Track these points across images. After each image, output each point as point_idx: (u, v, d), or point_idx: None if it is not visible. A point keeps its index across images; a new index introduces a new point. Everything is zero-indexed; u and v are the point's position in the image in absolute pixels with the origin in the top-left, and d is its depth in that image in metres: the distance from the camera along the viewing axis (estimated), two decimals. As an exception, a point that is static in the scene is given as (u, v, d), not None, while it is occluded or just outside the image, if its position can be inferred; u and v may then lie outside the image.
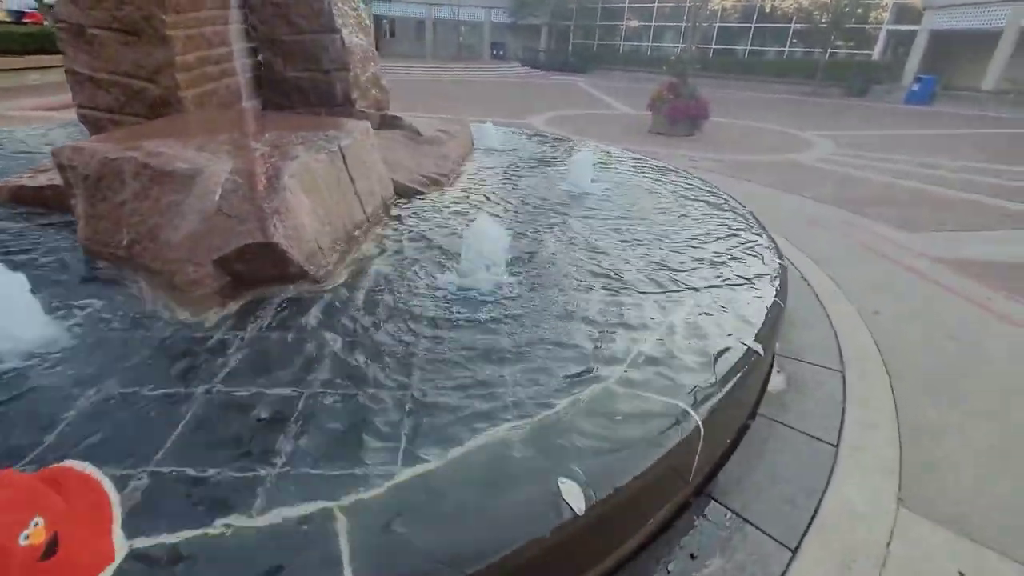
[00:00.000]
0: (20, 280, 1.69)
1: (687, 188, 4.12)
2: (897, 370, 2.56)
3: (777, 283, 2.48)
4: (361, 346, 1.79)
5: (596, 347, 1.83)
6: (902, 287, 3.56)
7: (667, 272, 2.50)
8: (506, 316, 2.00)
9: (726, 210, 3.58)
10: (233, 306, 2.00)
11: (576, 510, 1.17)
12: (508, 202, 3.46)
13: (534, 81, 26.49)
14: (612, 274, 2.45)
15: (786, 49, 29.78)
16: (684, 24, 28.87)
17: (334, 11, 3.57)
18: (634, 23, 35.27)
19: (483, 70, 29.78)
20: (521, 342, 1.84)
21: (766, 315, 2.17)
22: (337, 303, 2.07)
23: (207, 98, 3.28)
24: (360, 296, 2.13)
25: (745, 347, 1.91)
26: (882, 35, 26.72)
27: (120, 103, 3.08)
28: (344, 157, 2.69)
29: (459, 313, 2.02)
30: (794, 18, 27.65)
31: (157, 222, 2.12)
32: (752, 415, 2.22)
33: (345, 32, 3.69)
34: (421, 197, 3.45)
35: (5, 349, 1.60)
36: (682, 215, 3.42)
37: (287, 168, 2.22)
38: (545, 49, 36.47)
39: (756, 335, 2.00)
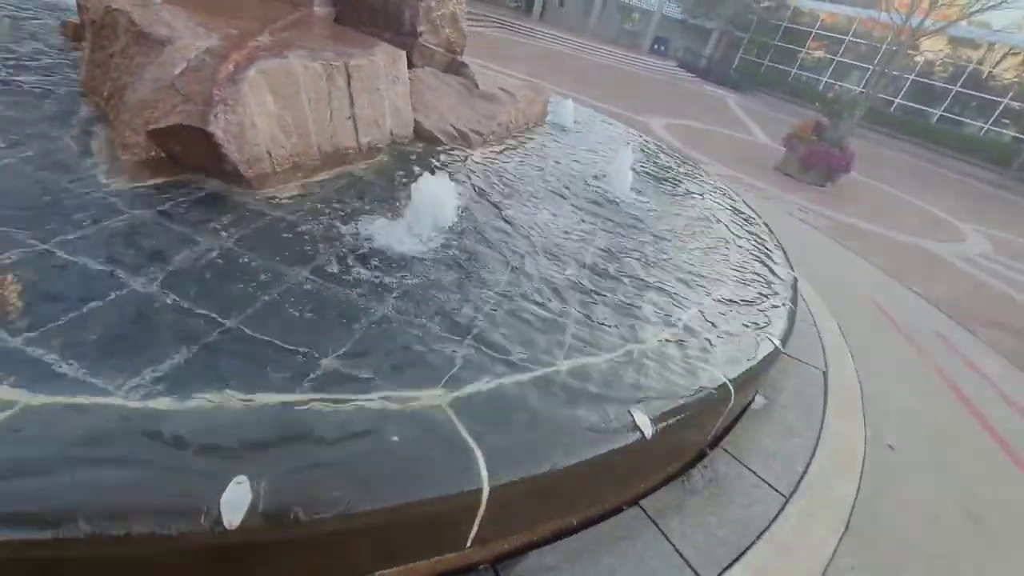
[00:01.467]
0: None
1: (744, 228, 3.53)
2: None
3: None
4: (218, 265, 1.63)
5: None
6: (969, 459, 2.78)
7: (629, 317, 2.10)
8: (397, 286, 1.76)
9: (766, 278, 3.00)
10: (150, 181, 1.94)
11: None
12: (512, 181, 3.11)
13: (681, 85, 24.98)
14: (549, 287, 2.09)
15: (985, 126, 25.41)
16: (872, 67, 25.55)
17: (417, -67, 3.38)
18: (818, 53, 31.88)
19: (635, 61, 28.61)
20: (382, 316, 1.59)
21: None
22: (247, 212, 1.94)
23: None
24: (272, 215, 1.98)
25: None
26: None
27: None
28: (349, 76, 2.53)
29: (347, 266, 1.79)
30: (1011, 93, 23.41)
31: (127, 81, 2.10)
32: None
33: (427, -41, 3.50)
34: (441, 147, 3.24)
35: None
36: (710, 250, 2.90)
37: (260, 64, 2.09)
38: (709, 56, 34.15)
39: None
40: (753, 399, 2.34)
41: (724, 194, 4.27)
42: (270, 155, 2.16)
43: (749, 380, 1.92)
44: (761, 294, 2.55)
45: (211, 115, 1.92)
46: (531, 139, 4.11)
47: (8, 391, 1.02)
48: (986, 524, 2.06)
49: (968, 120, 26.23)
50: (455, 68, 4.11)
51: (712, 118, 15.97)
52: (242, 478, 0.95)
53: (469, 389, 1.37)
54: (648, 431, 1.41)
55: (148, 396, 1.10)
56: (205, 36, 2.18)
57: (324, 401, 1.21)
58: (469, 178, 2.92)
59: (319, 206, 2.10)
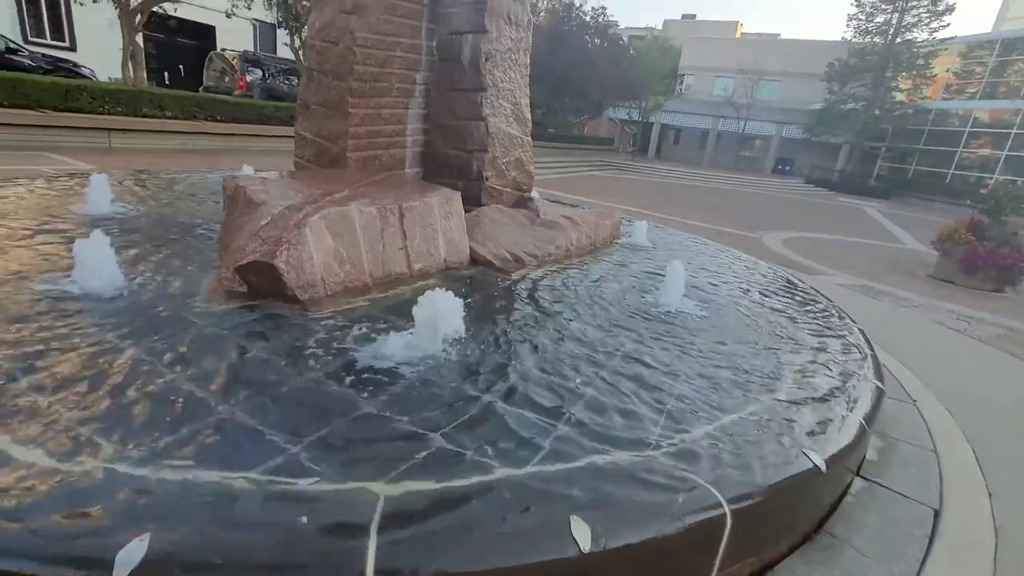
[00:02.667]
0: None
1: (837, 339, 3.10)
2: None
3: None
4: (241, 365, 1.96)
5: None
6: None
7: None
8: (388, 389, 1.90)
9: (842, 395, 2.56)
10: (232, 304, 2.45)
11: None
12: (551, 296, 3.18)
13: (810, 200, 23.85)
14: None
15: None
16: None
17: (484, 104, 4.10)
18: (985, 151, 28.68)
19: (757, 182, 28.38)
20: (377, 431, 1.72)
21: None
22: (292, 325, 2.31)
23: (370, 161, 4.13)
24: (310, 327, 2.32)
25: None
26: None
27: (314, 155, 4.15)
28: (402, 216, 3.03)
29: (347, 371, 1.99)
30: None
31: (234, 234, 2.78)
32: None
33: (492, 120, 4.19)
34: (494, 270, 3.54)
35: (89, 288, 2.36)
36: (771, 379, 2.57)
37: (323, 211, 2.64)
38: (841, 169, 32.62)
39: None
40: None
41: (810, 305, 3.86)
42: (324, 281, 2.61)
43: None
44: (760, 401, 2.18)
45: (277, 251, 2.44)
46: (594, 260, 4.27)
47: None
48: None
49: None
50: (522, 203, 4.60)
51: (844, 229, 14.75)
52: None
53: (410, 485, 1.39)
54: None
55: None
56: (292, 197, 2.84)
57: (254, 481, 1.34)
58: (506, 294, 3.12)
59: (347, 323, 2.41)
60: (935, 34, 29.29)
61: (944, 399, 3.32)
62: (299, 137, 4.26)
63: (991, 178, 26.54)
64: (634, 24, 55.27)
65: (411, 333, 2.22)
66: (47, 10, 17.19)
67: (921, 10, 29.37)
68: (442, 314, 2.21)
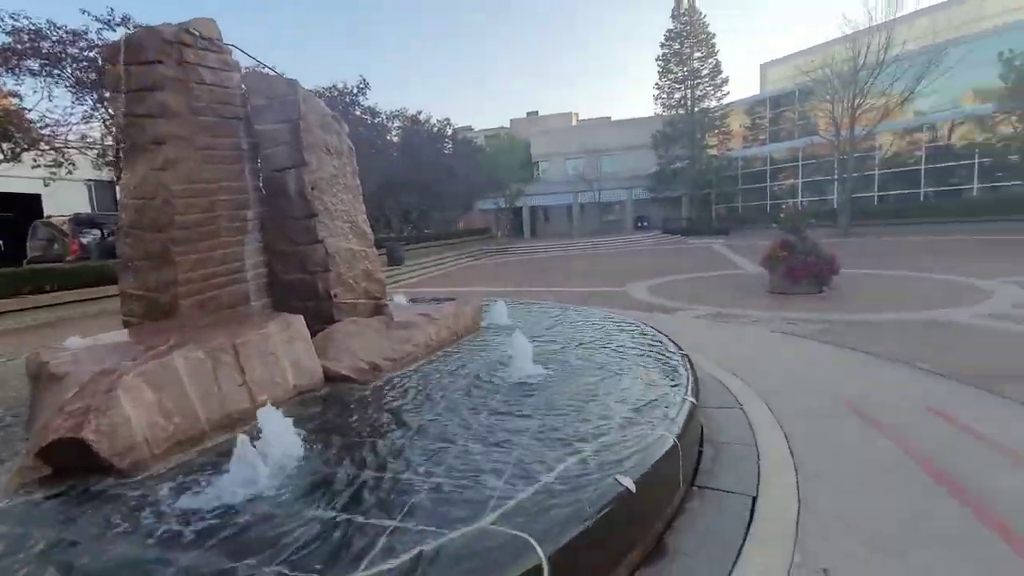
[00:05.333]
0: None
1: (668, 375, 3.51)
2: None
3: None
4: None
5: None
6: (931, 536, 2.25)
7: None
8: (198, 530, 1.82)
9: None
10: (41, 493, 2.21)
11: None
12: (410, 396, 3.29)
13: (666, 247, 26.88)
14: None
15: (974, 185, 25.77)
16: (835, 177, 27.43)
17: (319, 227, 4.32)
18: (788, 181, 34.75)
19: (619, 241, 31.44)
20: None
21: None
22: (110, 498, 2.14)
23: (209, 303, 4.07)
24: (134, 497, 2.16)
25: None
26: (1117, 156, 21.72)
27: (145, 310, 3.99)
28: (236, 352, 3.01)
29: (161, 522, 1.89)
30: (976, 154, 24.30)
31: (38, 415, 2.56)
32: None
33: (330, 241, 4.40)
34: (351, 384, 3.57)
35: None
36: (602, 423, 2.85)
37: (139, 368, 2.56)
38: (688, 217, 37.46)
39: None
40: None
41: (651, 344, 4.34)
42: (148, 441, 2.46)
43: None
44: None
45: (84, 423, 2.29)
46: (456, 349, 4.46)
47: None
48: None
49: (954, 187, 26.77)
50: (378, 311, 4.74)
51: (697, 266, 16.75)
52: None
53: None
54: None
55: None
56: (107, 360, 2.72)
57: None
58: (360, 404, 3.16)
59: (174, 479, 2.29)
60: (721, 101, 36.18)
61: (766, 397, 3.84)
62: (125, 295, 4.10)
63: (797, 201, 32.03)
64: (487, 125, 61.25)
65: (241, 471, 2.17)
66: None
67: (705, 85, 36.31)
68: (271, 442, 2.20)
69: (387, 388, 3.45)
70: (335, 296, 4.41)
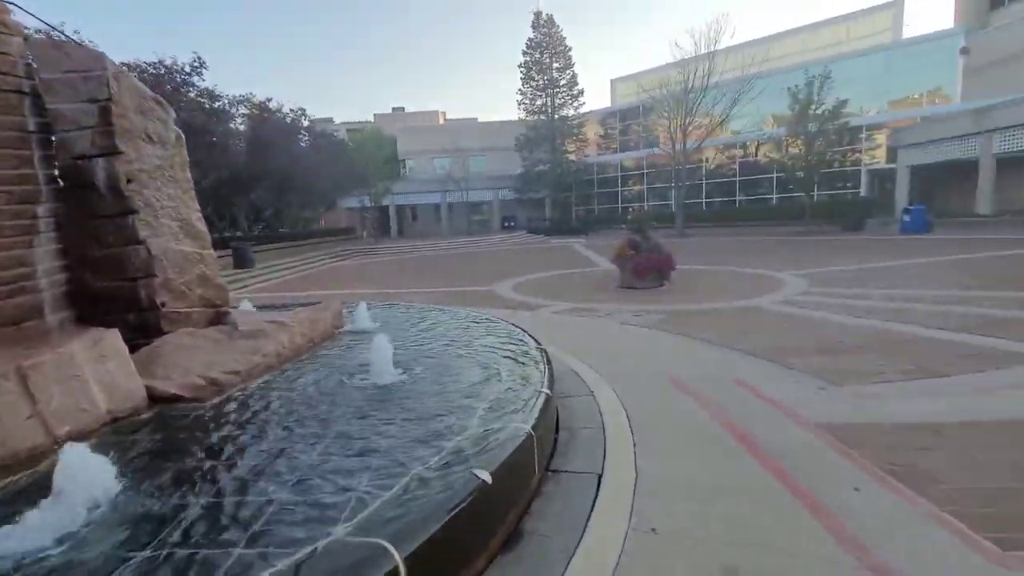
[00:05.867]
0: None
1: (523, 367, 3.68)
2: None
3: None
4: None
5: None
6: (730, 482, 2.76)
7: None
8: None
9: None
10: None
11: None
12: (256, 412, 3.03)
13: (531, 246, 28.21)
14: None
15: (772, 195, 31.29)
16: (671, 185, 31.22)
17: (139, 226, 3.74)
18: (636, 187, 38.53)
19: (489, 241, 32.19)
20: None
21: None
22: None
23: (-15, 318, 3.28)
24: None
25: None
26: (863, 174, 27.89)
27: None
28: (24, 378, 2.48)
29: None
30: (775, 169, 29.47)
31: None
32: None
33: (155, 242, 3.83)
34: (184, 404, 3.15)
35: None
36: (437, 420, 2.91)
37: None
38: (550, 217, 39.66)
39: None
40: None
41: (512, 341, 4.52)
42: None
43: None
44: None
45: None
46: (313, 357, 4.19)
47: None
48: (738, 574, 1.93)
49: (762, 195, 32.15)
50: (218, 320, 4.26)
51: (559, 263, 17.85)
52: None
53: None
54: None
55: None
56: None
57: None
58: (194, 426, 2.82)
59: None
60: (578, 110, 38.91)
61: (613, 383, 4.26)
62: None
63: (642, 205, 35.82)
64: (350, 118, 58.21)
65: (33, 519, 1.80)
66: None
67: (564, 95, 38.76)
68: (74, 480, 1.86)
69: (230, 405, 3.12)
70: (163, 305, 3.87)
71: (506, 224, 42.37)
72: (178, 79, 18.61)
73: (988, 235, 18.14)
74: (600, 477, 2.65)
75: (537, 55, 38.40)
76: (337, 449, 2.38)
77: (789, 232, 25.24)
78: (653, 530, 2.20)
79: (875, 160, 27.82)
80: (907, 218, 21.43)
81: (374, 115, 55.97)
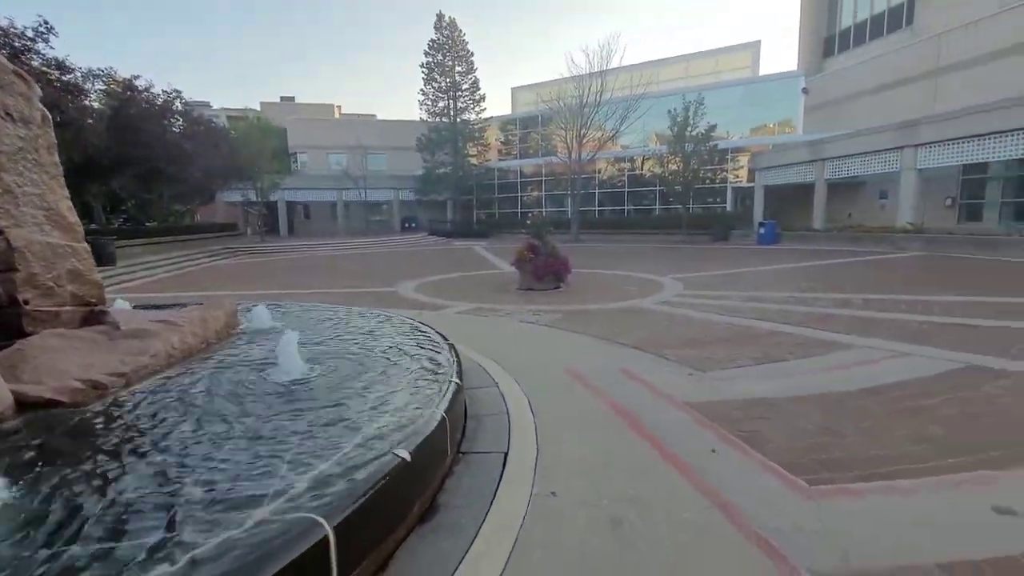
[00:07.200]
0: None
1: (430, 355, 3.85)
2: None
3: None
4: None
5: None
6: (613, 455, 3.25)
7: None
8: None
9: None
10: None
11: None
12: (145, 416, 2.90)
13: (433, 248, 28.16)
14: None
15: (656, 206, 34.40)
16: (568, 193, 32.95)
17: (-3, 213, 3.34)
18: (535, 193, 39.88)
19: (389, 242, 31.48)
20: None
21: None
22: None
23: None
24: None
25: None
26: (729, 191, 31.70)
27: None
28: None
29: None
30: (657, 183, 32.39)
31: None
32: None
33: (17, 232, 3.44)
34: (64, 409, 2.89)
35: None
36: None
37: None
38: (452, 220, 39.75)
39: None
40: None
41: (421, 338, 4.67)
42: None
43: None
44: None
45: None
46: (206, 357, 3.99)
47: None
48: (623, 527, 2.33)
49: (648, 205, 35.08)
50: (94, 319, 3.90)
51: (462, 265, 18.08)
52: None
53: None
54: None
55: None
56: None
57: None
58: (73, 435, 2.63)
59: None
60: (480, 115, 39.46)
61: (515, 375, 4.60)
62: None
63: (540, 210, 37.32)
64: (232, 104, 53.20)
65: None
66: None
67: (466, 98, 39.12)
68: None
69: (116, 408, 2.93)
70: (25, 303, 3.47)
71: (407, 225, 41.69)
72: (17, 44, 15.90)
73: (821, 246, 21.67)
74: (506, 455, 2.93)
75: (439, 57, 38.39)
76: (249, 442, 2.40)
77: (669, 240, 27.95)
78: (553, 494, 2.53)
79: (738, 179, 31.73)
80: (762, 231, 24.81)
81: (260, 103, 51.82)
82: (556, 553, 2.14)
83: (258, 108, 49.47)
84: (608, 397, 4.15)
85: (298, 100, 56.06)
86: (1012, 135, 17.46)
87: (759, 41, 44.04)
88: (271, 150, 32.40)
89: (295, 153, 43.06)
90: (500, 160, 42.24)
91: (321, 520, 1.72)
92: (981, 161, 19.16)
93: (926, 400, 4.06)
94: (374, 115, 54.84)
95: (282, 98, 55.94)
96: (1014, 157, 17.93)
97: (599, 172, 36.24)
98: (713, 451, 3.14)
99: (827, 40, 34.92)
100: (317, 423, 2.59)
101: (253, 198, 33.52)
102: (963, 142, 18.93)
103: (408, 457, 2.22)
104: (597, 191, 36.69)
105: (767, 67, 44.56)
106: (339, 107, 56.30)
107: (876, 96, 27.03)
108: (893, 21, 30.14)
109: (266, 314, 5.13)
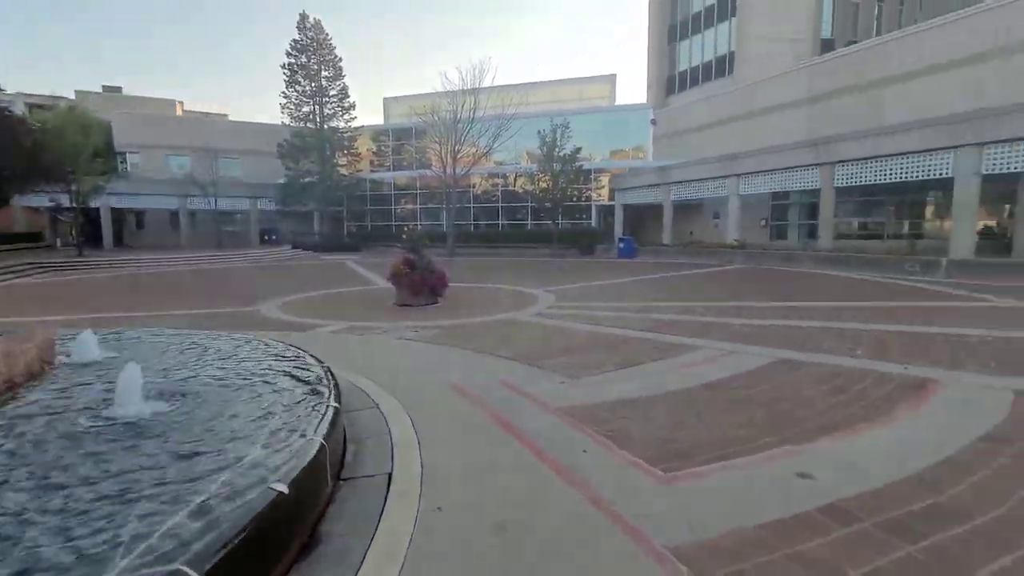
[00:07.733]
0: None
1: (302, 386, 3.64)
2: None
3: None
4: None
5: None
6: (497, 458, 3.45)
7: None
8: None
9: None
10: None
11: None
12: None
13: (300, 263, 26.33)
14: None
15: (528, 221, 36.10)
16: (443, 206, 33.08)
17: None
18: (409, 206, 39.18)
19: (245, 256, 28.67)
20: None
21: None
22: None
23: None
24: None
25: None
26: (593, 209, 34.49)
27: None
28: None
29: None
30: (529, 199, 34.04)
31: None
32: None
33: None
34: None
35: None
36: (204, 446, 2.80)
37: None
38: (320, 232, 37.42)
39: None
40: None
41: (293, 362, 4.38)
42: None
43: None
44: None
45: None
46: (14, 399, 3.32)
47: None
48: (507, 529, 2.48)
49: (521, 220, 36.58)
50: None
51: (330, 282, 17.13)
52: None
53: None
54: None
55: None
56: None
57: None
58: None
59: None
60: (350, 123, 37.81)
61: (395, 393, 4.54)
62: None
63: (415, 224, 36.93)
64: (35, 90, 44.06)
65: None
66: None
67: (334, 105, 37.29)
68: None
69: None
70: None
71: (267, 237, 38.21)
72: None
73: (670, 259, 24.60)
74: (390, 476, 2.90)
75: (304, 59, 36.17)
76: (95, 493, 2.07)
77: (541, 254, 29.51)
78: (439, 508, 2.57)
79: (601, 198, 34.68)
80: (621, 245, 27.41)
81: (75, 91, 44.01)
82: (446, 563, 2.19)
83: (72, 97, 41.95)
84: (489, 408, 4.30)
85: (126, 92, 48.75)
86: (802, 170, 21.70)
87: (615, 75, 48.97)
88: (92, 148, 27.47)
89: (124, 152, 37.22)
90: (372, 171, 40.94)
91: (189, 571, 1.57)
92: (783, 190, 23.46)
93: (748, 391, 4.87)
94: (226, 115, 49.82)
95: (105, 87, 48.13)
96: (804, 188, 22.22)
97: (474, 187, 36.97)
98: (584, 451, 3.43)
99: (669, 79, 40.09)
100: (173, 466, 2.32)
101: (66, 203, 28.08)
102: (770, 174, 23.03)
103: (286, 490, 2.11)
104: (472, 205, 37.36)
105: (623, 97, 49.64)
106: (181, 103, 50.09)
107: (710, 130, 31.61)
108: (719, 69, 35.72)
109: (93, 341, 4.40)
